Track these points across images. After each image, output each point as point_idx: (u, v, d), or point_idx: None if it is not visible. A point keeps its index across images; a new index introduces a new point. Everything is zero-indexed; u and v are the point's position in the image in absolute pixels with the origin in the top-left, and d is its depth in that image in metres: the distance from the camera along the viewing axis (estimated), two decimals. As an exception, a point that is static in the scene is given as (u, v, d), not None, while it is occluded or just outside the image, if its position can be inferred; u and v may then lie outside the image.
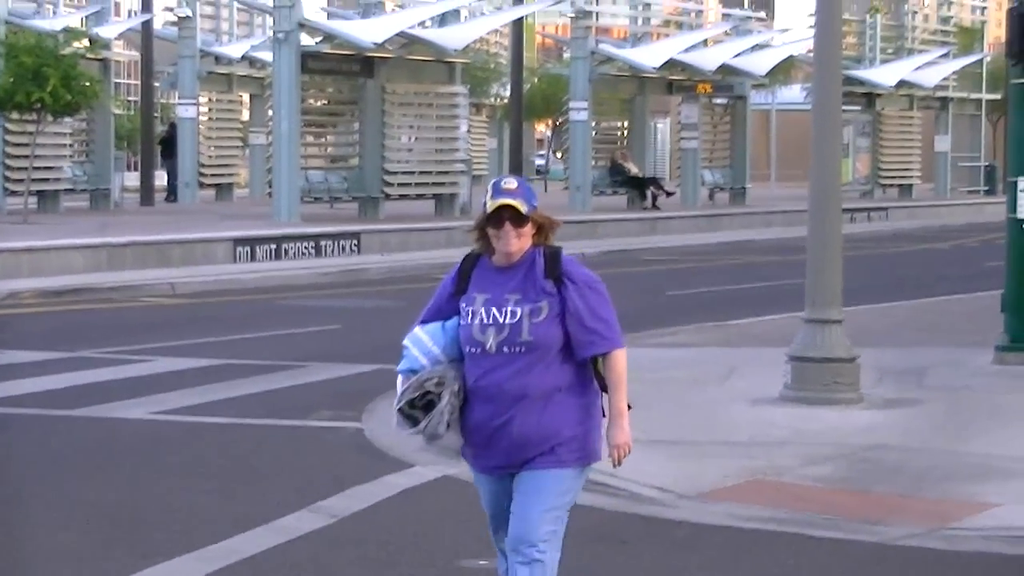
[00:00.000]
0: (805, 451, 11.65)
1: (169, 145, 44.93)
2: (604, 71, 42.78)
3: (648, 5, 49.37)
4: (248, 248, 28.76)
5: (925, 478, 10.82)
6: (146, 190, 42.43)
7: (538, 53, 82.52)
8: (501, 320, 6.29)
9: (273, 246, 29.26)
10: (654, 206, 42.66)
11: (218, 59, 45.35)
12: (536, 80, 62.66)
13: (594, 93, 42.03)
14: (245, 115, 50.87)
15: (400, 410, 6.39)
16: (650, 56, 43.36)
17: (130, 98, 64.95)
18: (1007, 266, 16.07)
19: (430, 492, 10.50)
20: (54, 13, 38.37)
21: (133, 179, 47.39)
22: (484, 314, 6.31)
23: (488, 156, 52.70)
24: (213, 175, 45.70)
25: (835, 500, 10.21)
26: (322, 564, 8.76)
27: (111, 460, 11.65)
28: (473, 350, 6.33)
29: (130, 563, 8.66)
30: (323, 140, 39.29)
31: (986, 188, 57.51)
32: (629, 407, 6.42)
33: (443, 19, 38.49)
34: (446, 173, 37.45)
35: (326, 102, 39.04)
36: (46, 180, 36.32)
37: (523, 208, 6.29)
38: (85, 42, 34.99)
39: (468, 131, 40.66)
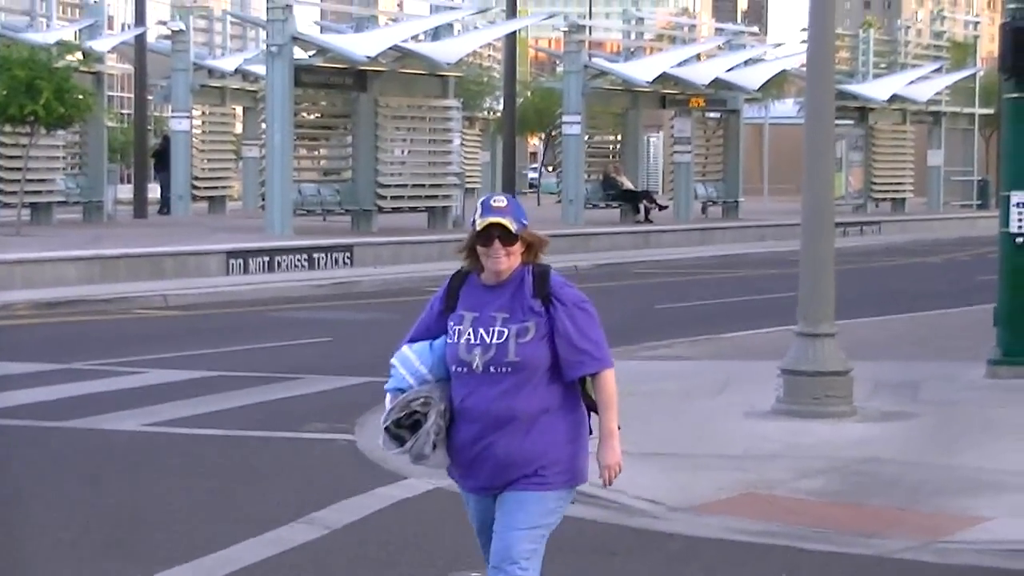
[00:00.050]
0: (798, 464, 11.65)
1: (162, 158, 44.94)
2: (597, 85, 42.83)
3: (641, 19, 49.55)
4: (241, 260, 28.75)
5: (918, 491, 10.82)
6: (139, 202, 42.43)
7: (531, 67, 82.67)
8: (488, 340, 6.24)
9: (266, 258, 29.25)
10: (647, 219, 42.70)
11: (211, 72, 45.37)
12: (529, 94, 62.75)
13: (587, 107, 42.10)
14: (238, 128, 50.88)
15: (387, 429, 6.37)
16: (643, 70, 43.42)
17: (123, 111, 65.03)
18: (1000, 280, 16.09)
19: (423, 504, 10.50)
20: (47, 26, 38.38)
21: (126, 191, 47.40)
22: (471, 333, 6.27)
23: (481, 169, 52.71)
24: (206, 188, 45.70)
25: (828, 513, 10.21)
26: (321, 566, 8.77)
27: (103, 472, 11.62)
28: (459, 369, 6.30)
29: (126, 574, 8.66)
30: (316, 153, 39.34)
31: (979, 202, 57.57)
32: (619, 428, 6.41)
33: (436, 33, 38.55)
34: (439, 186, 37.48)
35: (319, 115, 39.05)
36: (39, 192, 36.33)
37: (512, 226, 6.26)
38: (78, 55, 35.07)
39: (461, 144, 40.70)
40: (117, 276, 26.54)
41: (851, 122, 52.12)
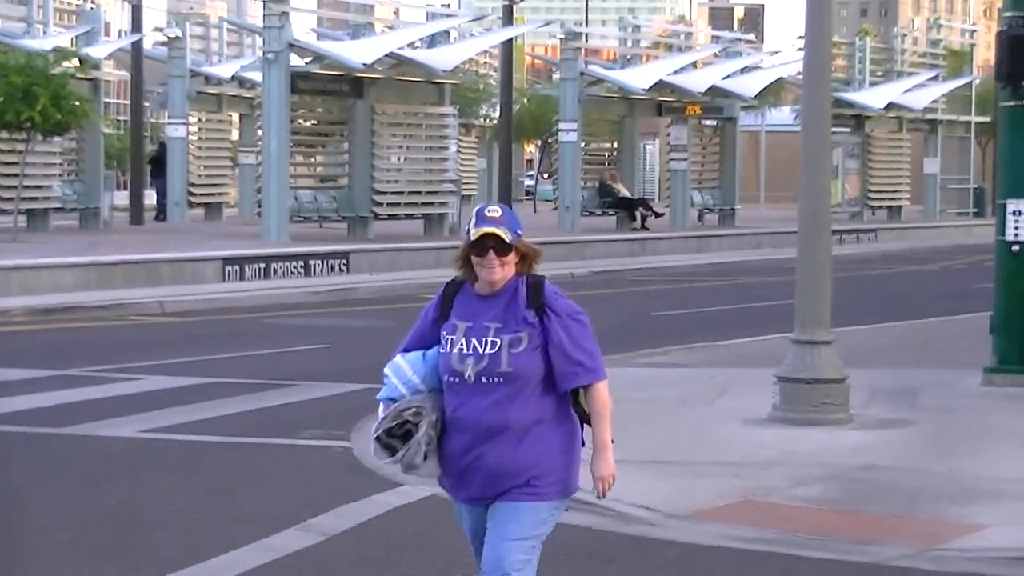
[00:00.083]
0: (795, 472, 11.64)
1: (159, 164, 44.97)
2: (593, 92, 42.86)
3: (638, 27, 49.58)
4: (237, 267, 28.74)
5: (915, 499, 10.82)
6: (136, 209, 42.46)
7: (527, 74, 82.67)
8: (480, 350, 6.21)
9: (262, 265, 29.24)
10: (643, 227, 42.73)
11: (208, 79, 45.37)
12: (525, 101, 62.82)
13: (583, 114, 42.11)
14: (235, 135, 50.91)
15: (378, 439, 6.36)
16: (639, 77, 43.44)
17: (120, 117, 65.09)
18: (995, 288, 16.09)
19: (419, 511, 10.49)
20: (44, 33, 38.38)
21: (123, 198, 47.39)
22: (464, 343, 6.24)
23: (477, 176, 52.74)
24: (202, 194, 45.72)
25: (825, 520, 10.20)
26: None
27: (99, 478, 11.61)
28: (452, 379, 6.27)
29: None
30: (312, 160, 39.37)
31: (975, 210, 57.63)
32: (612, 441, 6.39)
33: (433, 40, 38.58)
34: (435, 193, 37.51)
35: (315, 122, 39.08)
36: (36, 199, 36.35)
37: (507, 236, 6.22)
38: (75, 62, 35.07)
39: (457, 151, 40.72)
40: (113, 283, 26.55)
41: (847, 130, 52.18)
